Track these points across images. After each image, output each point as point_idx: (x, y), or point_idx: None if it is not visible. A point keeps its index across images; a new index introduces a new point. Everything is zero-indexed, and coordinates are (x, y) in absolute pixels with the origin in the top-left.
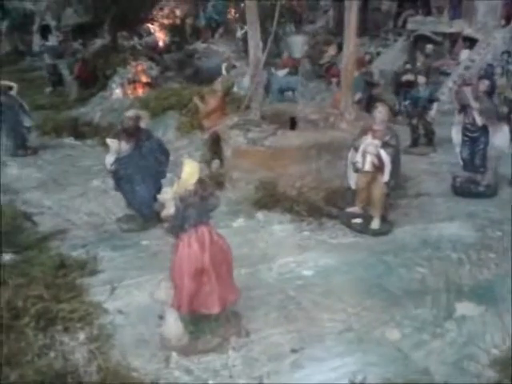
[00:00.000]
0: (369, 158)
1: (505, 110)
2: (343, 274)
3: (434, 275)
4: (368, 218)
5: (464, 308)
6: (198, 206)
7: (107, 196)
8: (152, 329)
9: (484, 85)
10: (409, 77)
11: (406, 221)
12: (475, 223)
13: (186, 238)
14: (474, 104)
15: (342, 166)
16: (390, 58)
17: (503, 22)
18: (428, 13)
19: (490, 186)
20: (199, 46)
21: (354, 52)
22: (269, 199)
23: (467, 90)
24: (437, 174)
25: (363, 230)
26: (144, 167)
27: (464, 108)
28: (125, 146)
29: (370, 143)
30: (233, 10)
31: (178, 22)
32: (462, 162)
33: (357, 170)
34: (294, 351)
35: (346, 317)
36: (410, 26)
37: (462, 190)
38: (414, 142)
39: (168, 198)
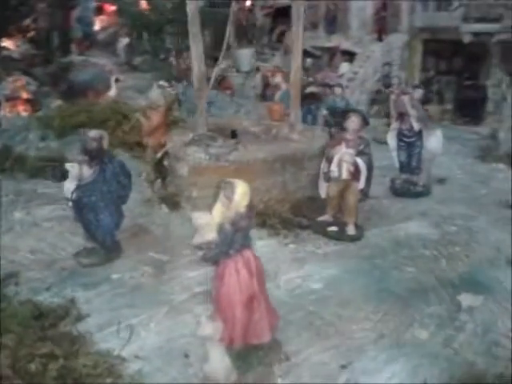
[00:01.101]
0: (345, 167)
1: None
2: (349, 283)
3: (423, 273)
4: (341, 225)
5: (466, 299)
6: (246, 229)
7: (40, 229)
8: (183, 370)
9: (418, 93)
10: (312, 89)
11: (370, 224)
12: (431, 221)
13: (232, 264)
14: (412, 111)
15: (304, 177)
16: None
17: (375, 36)
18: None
19: (426, 185)
20: (76, 58)
21: (300, 66)
22: None
23: (405, 99)
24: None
25: (340, 237)
26: (107, 192)
27: (401, 115)
28: (87, 171)
29: (345, 152)
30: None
31: (42, 34)
32: (398, 165)
33: (329, 180)
34: (343, 367)
35: (372, 325)
36: (287, 41)
37: (402, 191)
38: None
39: (203, 222)
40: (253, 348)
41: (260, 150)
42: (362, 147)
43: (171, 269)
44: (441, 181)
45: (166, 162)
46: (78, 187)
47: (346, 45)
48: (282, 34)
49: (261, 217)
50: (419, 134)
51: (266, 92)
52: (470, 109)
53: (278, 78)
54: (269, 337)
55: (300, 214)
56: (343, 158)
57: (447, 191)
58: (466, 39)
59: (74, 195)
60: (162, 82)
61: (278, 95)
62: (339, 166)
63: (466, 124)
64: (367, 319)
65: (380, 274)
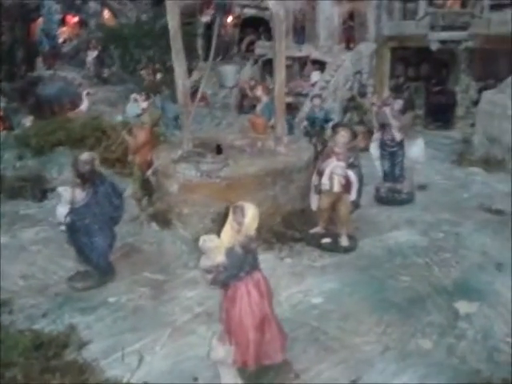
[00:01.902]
0: (336, 180)
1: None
2: (349, 296)
3: (418, 281)
4: (333, 237)
5: (463, 307)
6: (255, 251)
7: (28, 253)
8: None
9: (399, 104)
10: (288, 99)
11: (360, 234)
12: (418, 228)
13: (243, 286)
14: (394, 122)
15: (294, 190)
16: None
17: (344, 45)
18: (270, 38)
19: (410, 193)
20: (44, 72)
21: (284, 79)
22: None
23: (387, 110)
24: None
25: (334, 248)
26: (100, 214)
27: (383, 126)
28: (80, 194)
29: (336, 165)
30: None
31: (4, 48)
32: (382, 174)
33: (320, 192)
34: (353, 382)
35: (376, 337)
36: (258, 51)
37: (387, 200)
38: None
39: (212, 246)
40: (264, 368)
41: (250, 165)
42: (352, 160)
43: (169, 289)
44: (422, 187)
45: (151, 179)
46: (71, 211)
47: (316, 54)
48: (252, 43)
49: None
50: (401, 143)
51: (243, 103)
52: (441, 114)
53: (259, 91)
54: (281, 357)
55: (291, 227)
56: (334, 170)
57: (429, 197)
58: (434, 47)
59: (68, 219)
60: (134, 95)
61: (259, 108)
62: (330, 178)
63: (438, 129)
64: (371, 331)
65: (377, 284)
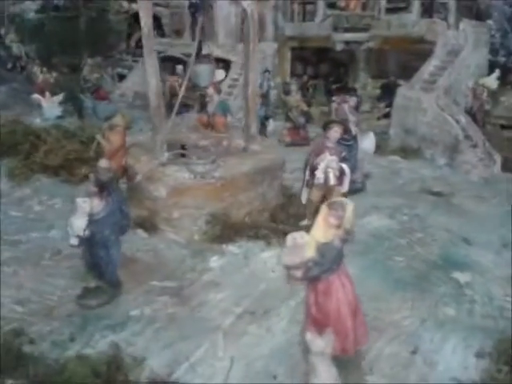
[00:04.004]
0: (332, 173)
1: (302, 120)
2: (365, 280)
3: (411, 260)
4: None
5: (460, 277)
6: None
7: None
8: None
9: (353, 101)
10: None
11: None
12: (385, 213)
13: (336, 279)
14: (351, 117)
15: (277, 186)
16: (140, 79)
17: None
18: (162, 35)
19: (363, 182)
20: None
21: (256, 79)
22: (228, 231)
23: (345, 107)
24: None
25: None
26: (113, 224)
27: None
28: (98, 205)
29: (331, 160)
30: None
31: None
32: None
33: (312, 186)
34: (413, 353)
35: (409, 312)
36: (156, 48)
37: None
38: None
39: (302, 242)
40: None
41: (241, 164)
42: (344, 154)
43: (192, 294)
44: (367, 176)
45: (120, 185)
46: (91, 223)
47: (218, 52)
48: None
49: (253, 229)
50: (355, 137)
51: (172, 103)
52: None
53: (211, 90)
54: (366, 340)
55: (278, 222)
56: (329, 165)
57: (374, 185)
58: (339, 47)
59: (87, 232)
60: (35, 96)
61: (211, 107)
62: (325, 172)
63: None
64: (402, 308)
65: (381, 266)
